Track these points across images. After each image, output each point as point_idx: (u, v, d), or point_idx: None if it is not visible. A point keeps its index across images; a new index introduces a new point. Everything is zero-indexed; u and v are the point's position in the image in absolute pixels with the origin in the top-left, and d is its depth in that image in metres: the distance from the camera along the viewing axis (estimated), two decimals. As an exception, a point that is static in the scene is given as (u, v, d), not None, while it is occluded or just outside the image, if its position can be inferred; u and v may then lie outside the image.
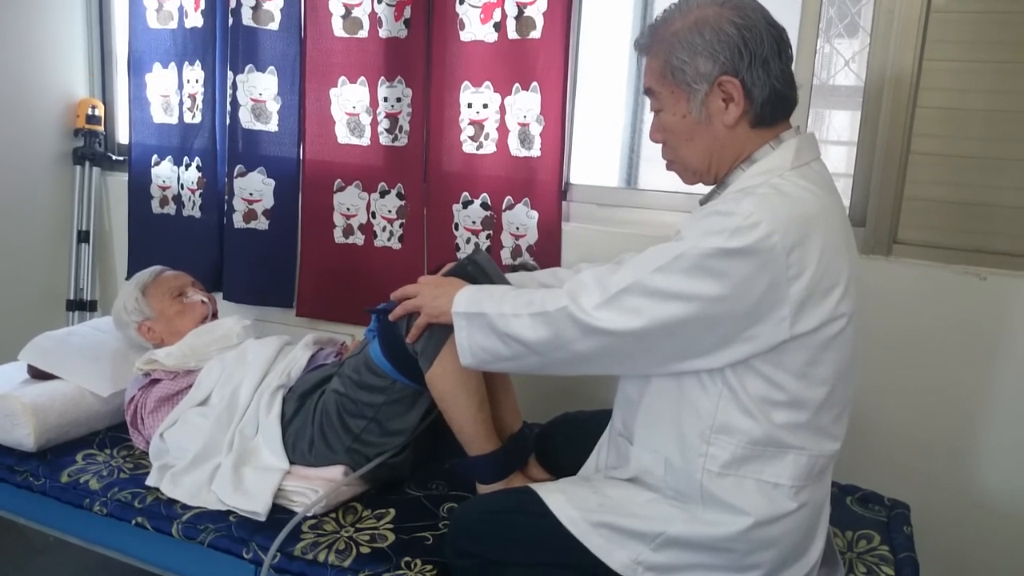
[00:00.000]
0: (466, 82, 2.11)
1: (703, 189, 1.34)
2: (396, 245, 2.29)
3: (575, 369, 1.29)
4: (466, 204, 2.17)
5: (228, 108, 2.38)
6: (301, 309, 2.44)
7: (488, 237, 2.17)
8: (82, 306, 2.75)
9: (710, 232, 1.13)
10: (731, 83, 1.19)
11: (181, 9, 2.45)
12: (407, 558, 1.41)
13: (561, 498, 1.29)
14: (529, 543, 1.29)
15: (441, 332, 1.41)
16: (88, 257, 2.75)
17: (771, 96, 1.21)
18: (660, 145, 1.33)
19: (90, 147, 2.71)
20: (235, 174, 2.40)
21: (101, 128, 2.74)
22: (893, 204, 1.80)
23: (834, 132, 2.86)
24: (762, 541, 1.20)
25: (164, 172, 2.58)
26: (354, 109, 2.26)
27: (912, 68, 1.74)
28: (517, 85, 2.06)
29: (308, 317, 2.43)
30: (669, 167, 1.34)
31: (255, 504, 1.51)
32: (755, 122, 1.23)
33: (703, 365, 1.19)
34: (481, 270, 1.50)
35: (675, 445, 1.24)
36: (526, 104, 2.06)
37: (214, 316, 1.98)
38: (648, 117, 2.31)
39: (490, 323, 1.28)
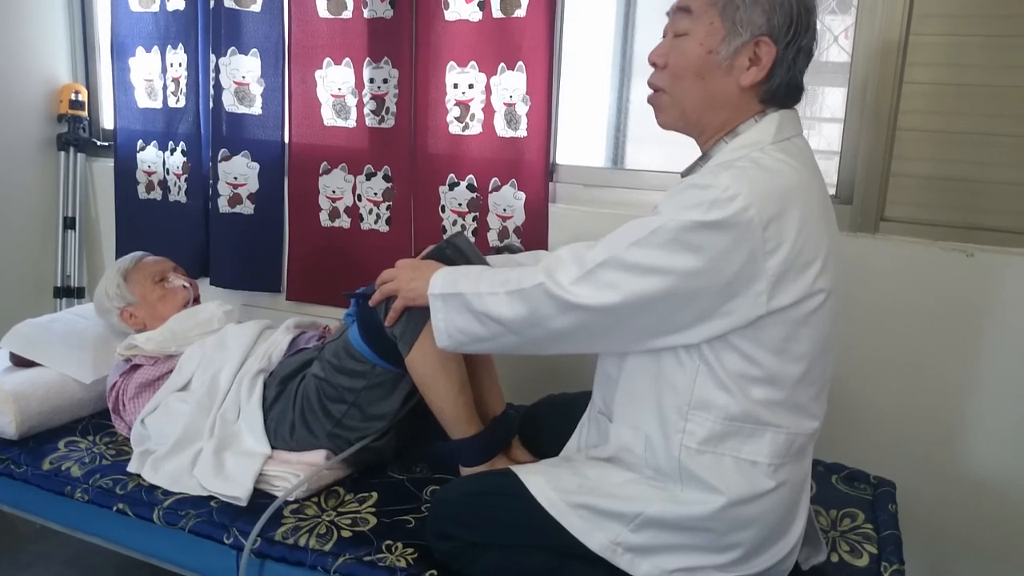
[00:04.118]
0: (451, 62, 2.09)
1: (687, 162, 1.32)
2: (383, 228, 2.28)
3: (553, 347, 1.27)
4: (452, 186, 2.16)
5: (211, 92, 2.36)
6: (291, 293, 2.43)
7: (475, 219, 2.15)
8: (69, 293, 2.74)
9: (687, 205, 1.11)
10: (768, 47, 1.17)
11: (163, -9, 2.42)
12: (388, 541, 1.41)
13: (540, 480, 1.29)
14: (509, 525, 1.29)
15: (419, 315, 1.40)
16: (75, 244, 2.74)
17: (788, 83, 1.20)
18: (653, 67, 1.26)
19: (74, 133, 2.69)
20: (219, 158, 2.38)
21: (85, 113, 2.72)
22: (880, 181, 1.79)
23: (828, 110, 2.83)
24: (740, 520, 1.19)
25: (149, 157, 2.56)
26: (340, 91, 2.24)
27: (898, 42, 1.72)
28: (502, 65, 2.03)
29: (298, 301, 2.42)
30: (654, 98, 1.27)
31: (236, 489, 1.50)
32: (764, 97, 1.21)
33: (680, 340, 1.17)
34: (460, 252, 1.48)
35: (654, 421, 1.23)
36: (512, 84, 2.03)
37: (196, 301, 1.96)
38: (636, 96, 2.29)
39: (466, 303, 1.27)
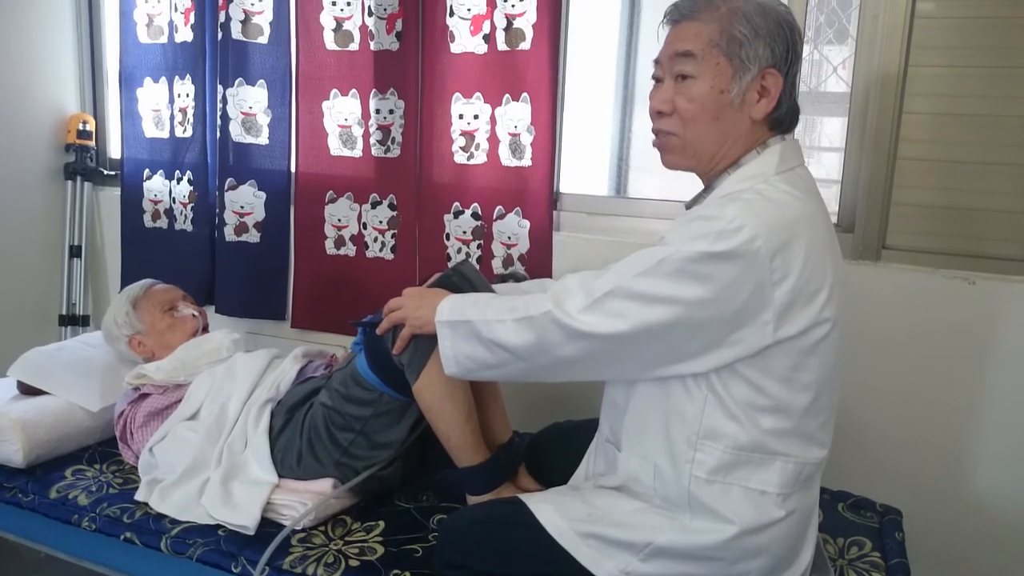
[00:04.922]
0: (457, 93, 2.12)
1: (690, 193, 1.34)
2: (388, 256, 2.30)
3: (561, 375, 1.28)
4: (457, 214, 2.18)
5: (219, 122, 2.38)
6: (296, 321, 2.44)
7: (479, 247, 2.17)
8: (74, 321, 2.75)
9: (694, 236, 1.13)
10: (775, 77, 1.19)
11: (171, 24, 2.46)
12: (396, 571, 1.40)
13: (549, 508, 1.29)
14: (517, 554, 1.28)
15: (427, 343, 1.41)
16: (80, 272, 2.75)
17: (791, 106, 1.23)
18: (658, 116, 1.26)
19: (81, 162, 2.71)
20: (226, 187, 2.40)
21: (92, 143, 2.75)
22: (881, 209, 1.81)
23: (826, 139, 2.87)
24: (750, 549, 1.19)
25: (156, 186, 2.58)
26: (346, 121, 2.27)
27: (898, 73, 1.75)
28: (507, 96, 2.06)
29: (303, 329, 2.43)
30: (662, 143, 1.27)
31: (244, 518, 1.50)
32: (773, 125, 1.24)
33: (688, 369, 1.18)
34: (466, 280, 1.50)
35: (663, 451, 1.23)
36: (516, 114, 2.06)
37: (204, 330, 1.97)
38: (638, 126, 2.33)
39: (474, 330, 1.28)
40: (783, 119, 1.24)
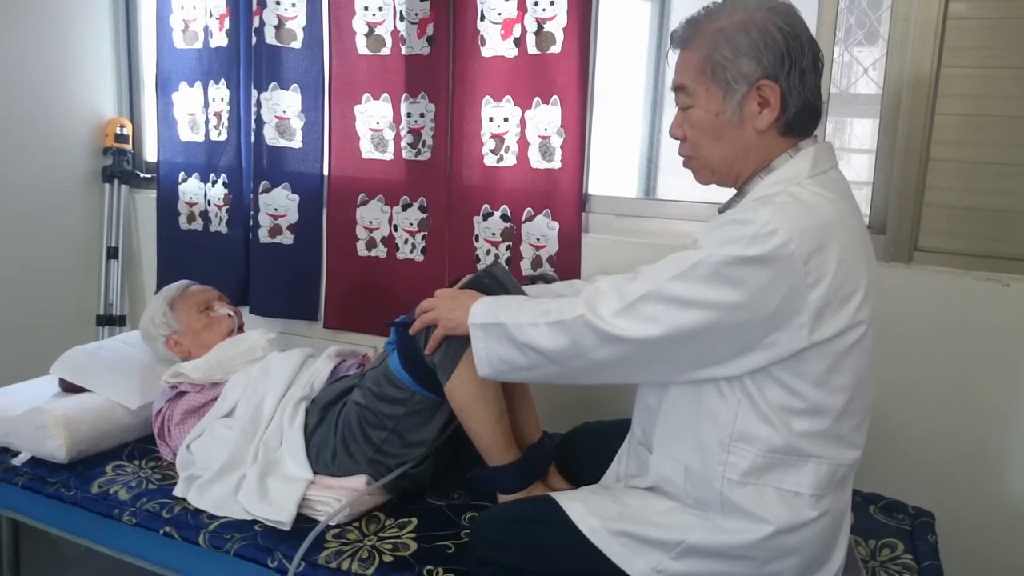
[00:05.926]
0: (487, 96, 2.14)
1: (720, 195, 1.35)
2: (419, 257, 2.32)
3: (593, 378, 1.29)
4: (486, 216, 2.20)
5: (253, 125, 2.42)
6: (328, 321, 2.47)
7: (508, 248, 2.19)
8: (111, 321, 2.80)
9: (728, 240, 1.14)
10: (770, 88, 1.20)
11: (206, 29, 2.50)
12: (429, 567, 1.43)
13: (581, 507, 1.30)
14: (549, 552, 1.30)
15: (459, 344, 1.43)
16: (117, 273, 2.81)
17: (804, 107, 1.22)
18: (678, 142, 1.32)
19: (118, 165, 2.77)
20: (260, 190, 2.44)
21: (129, 147, 2.80)
22: (913, 211, 1.80)
23: (856, 140, 2.86)
24: (782, 549, 1.20)
25: (191, 189, 2.63)
26: (378, 125, 2.30)
27: (930, 75, 1.74)
28: (537, 99, 2.08)
29: (335, 329, 2.47)
30: (687, 164, 1.33)
31: (280, 514, 1.53)
32: (784, 130, 1.23)
33: (722, 373, 1.19)
34: (497, 282, 1.51)
35: (695, 453, 1.24)
36: (546, 117, 2.08)
37: (240, 329, 2.01)
38: (667, 128, 2.33)
39: (507, 333, 1.30)
40: (794, 122, 1.23)
